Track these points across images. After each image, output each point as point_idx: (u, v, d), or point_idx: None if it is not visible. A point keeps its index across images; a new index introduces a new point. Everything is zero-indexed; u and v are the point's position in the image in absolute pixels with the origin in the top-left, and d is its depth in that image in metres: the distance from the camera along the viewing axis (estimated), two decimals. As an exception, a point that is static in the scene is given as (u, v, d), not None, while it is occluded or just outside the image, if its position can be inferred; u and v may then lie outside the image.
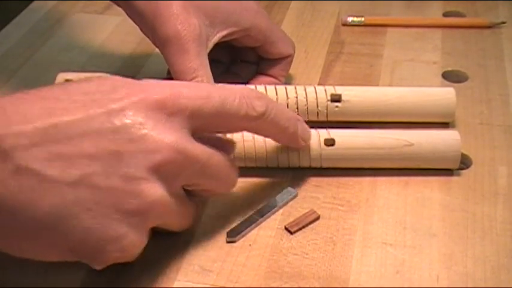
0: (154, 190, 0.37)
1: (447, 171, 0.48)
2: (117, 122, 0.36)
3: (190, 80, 0.47)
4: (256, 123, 0.41)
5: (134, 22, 0.50)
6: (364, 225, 0.45)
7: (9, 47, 0.64)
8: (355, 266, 0.42)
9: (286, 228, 0.44)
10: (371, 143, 0.47)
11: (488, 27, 0.65)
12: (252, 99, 0.41)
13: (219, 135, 0.44)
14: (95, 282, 0.41)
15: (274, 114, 0.42)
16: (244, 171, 0.48)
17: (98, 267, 0.38)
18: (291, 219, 0.45)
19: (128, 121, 0.36)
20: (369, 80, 0.58)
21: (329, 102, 0.50)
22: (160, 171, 0.37)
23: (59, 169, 0.35)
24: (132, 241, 0.37)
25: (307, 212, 0.45)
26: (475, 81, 0.58)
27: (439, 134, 0.48)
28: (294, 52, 0.55)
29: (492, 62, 0.60)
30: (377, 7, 0.69)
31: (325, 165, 0.48)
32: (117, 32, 0.66)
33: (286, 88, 0.51)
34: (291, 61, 0.55)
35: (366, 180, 0.48)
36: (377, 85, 0.57)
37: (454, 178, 0.48)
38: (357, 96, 0.51)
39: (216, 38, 0.50)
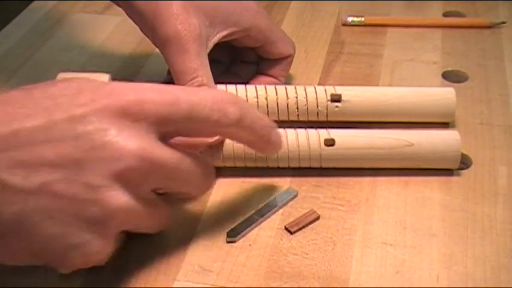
0: (117, 198, 0.37)
1: (447, 171, 0.48)
2: (80, 128, 0.36)
3: (191, 80, 0.47)
4: (229, 129, 0.41)
5: (134, 22, 0.50)
6: (364, 225, 0.45)
7: (9, 47, 0.64)
8: (355, 266, 0.42)
9: (286, 228, 0.44)
10: (371, 143, 0.47)
11: (488, 27, 0.65)
12: (225, 105, 0.40)
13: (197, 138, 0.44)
14: (95, 282, 0.41)
15: (249, 121, 0.41)
16: (244, 171, 0.48)
17: (64, 272, 0.38)
18: (291, 219, 0.45)
19: (90, 128, 0.36)
20: (369, 80, 0.58)
21: (329, 102, 0.50)
22: (124, 178, 0.37)
23: (21, 177, 0.35)
24: (96, 248, 0.37)
25: (307, 212, 0.45)
26: (475, 81, 0.58)
27: (439, 134, 0.48)
28: (294, 52, 0.55)
29: (492, 62, 0.60)
30: (377, 7, 0.69)
31: (325, 165, 0.48)
32: (117, 32, 0.66)
33: (286, 88, 0.51)
34: (291, 61, 0.55)
35: (366, 180, 0.48)
36: (377, 85, 0.57)
37: (454, 178, 0.48)
38: (357, 96, 0.51)
39: (216, 38, 0.50)
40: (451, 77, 0.59)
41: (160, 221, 0.42)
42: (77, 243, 0.37)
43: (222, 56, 0.56)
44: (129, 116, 0.37)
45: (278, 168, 0.48)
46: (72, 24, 0.67)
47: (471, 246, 0.43)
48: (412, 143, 0.47)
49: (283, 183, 0.48)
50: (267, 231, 0.44)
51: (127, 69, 0.60)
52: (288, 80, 0.57)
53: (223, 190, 0.47)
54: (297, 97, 0.50)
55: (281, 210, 0.46)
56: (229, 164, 0.48)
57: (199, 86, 0.47)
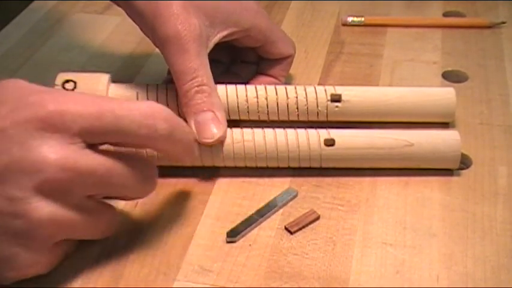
0: (40, 209, 0.36)
1: (447, 171, 0.48)
2: None
3: (191, 80, 0.47)
4: (158, 143, 0.40)
5: (134, 22, 0.50)
6: (364, 225, 0.45)
7: (9, 47, 0.64)
8: (355, 266, 0.42)
9: (286, 228, 0.44)
10: (371, 143, 0.47)
11: (488, 27, 0.65)
12: (156, 120, 0.39)
13: None
14: (95, 282, 0.41)
15: (178, 137, 0.41)
16: (244, 171, 0.48)
17: (4, 283, 0.38)
18: (291, 219, 0.45)
19: (9, 141, 0.36)
20: (369, 80, 0.58)
21: (329, 102, 0.50)
22: (47, 189, 0.36)
23: None
24: (26, 261, 0.37)
25: (307, 212, 0.45)
26: (475, 81, 0.58)
27: (439, 134, 0.48)
28: (295, 52, 0.55)
29: (492, 62, 0.60)
30: (377, 7, 0.69)
31: (325, 165, 0.48)
32: (117, 32, 0.66)
33: (286, 88, 0.51)
34: (292, 61, 0.55)
35: (366, 180, 0.48)
36: (377, 85, 0.57)
37: (454, 178, 0.48)
38: (357, 96, 0.51)
39: (216, 38, 0.50)
40: (451, 77, 0.59)
41: (103, 226, 0.41)
42: (5, 256, 0.37)
43: (222, 56, 0.56)
44: (50, 127, 0.37)
45: (278, 168, 0.48)
46: (72, 24, 0.67)
47: (471, 246, 0.43)
48: (412, 143, 0.47)
49: (283, 183, 0.48)
50: (267, 231, 0.44)
51: (127, 69, 0.60)
52: (288, 80, 0.57)
53: (223, 190, 0.47)
54: (297, 97, 0.50)
55: (281, 210, 0.46)
56: (229, 164, 0.48)
57: (199, 86, 0.47)
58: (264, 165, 0.48)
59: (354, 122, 0.51)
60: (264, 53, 0.54)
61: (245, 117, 0.51)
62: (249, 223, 0.45)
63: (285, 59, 0.55)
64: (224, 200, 0.47)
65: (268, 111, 0.50)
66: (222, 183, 0.48)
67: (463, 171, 0.49)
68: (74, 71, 0.51)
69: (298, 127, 0.48)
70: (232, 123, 0.49)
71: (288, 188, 0.47)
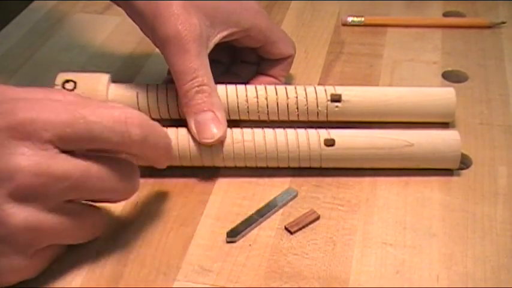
0: (16, 215, 0.36)
1: (447, 171, 0.48)
2: None
3: (191, 80, 0.47)
4: (132, 149, 0.40)
5: (134, 22, 0.50)
6: (364, 225, 0.45)
7: (9, 47, 0.64)
8: (355, 266, 0.42)
9: (286, 228, 0.44)
10: (371, 143, 0.47)
11: (488, 27, 0.65)
12: (128, 126, 0.39)
13: None
14: (95, 282, 0.41)
15: (152, 142, 0.41)
16: (244, 171, 0.48)
17: None
18: (291, 219, 0.45)
19: None
20: (369, 80, 0.58)
21: (329, 102, 0.50)
22: (21, 196, 0.36)
23: None
24: (8, 267, 0.37)
25: (307, 212, 0.45)
26: (475, 81, 0.58)
27: (439, 134, 0.48)
28: (295, 52, 0.55)
29: (492, 62, 0.60)
30: (377, 7, 0.69)
31: (325, 165, 0.48)
32: (117, 32, 0.66)
33: (286, 88, 0.51)
34: (292, 61, 0.55)
35: (366, 180, 0.48)
36: (377, 85, 0.57)
37: (454, 178, 0.48)
38: (357, 96, 0.51)
39: (216, 39, 0.50)
40: (451, 77, 0.59)
41: (88, 229, 0.41)
42: None
43: (222, 56, 0.56)
44: (22, 135, 0.37)
45: (278, 168, 0.48)
46: (72, 24, 0.67)
47: (471, 246, 0.43)
48: (412, 143, 0.47)
49: (283, 183, 0.48)
50: (267, 231, 0.44)
51: (127, 69, 0.60)
52: (288, 80, 0.57)
53: (223, 190, 0.47)
54: (297, 97, 0.50)
55: (281, 210, 0.46)
56: (229, 164, 0.48)
57: (200, 86, 0.47)
58: (264, 165, 0.48)
59: (354, 122, 0.51)
60: (264, 53, 0.54)
61: (245, 117, 0.51)
62: (249, 223, 0.45)
63: (285, 59, 0.55)
64: (224, 200, 0.47)
65: (268, 111, 0.50)
66: (222, 183, 0.48)
67: (463, 171, 0.49)
68: (74, 71, 0.51)
69: (298, 127, 0.48)
70: (232, 123, 0.49)
71: (288, 188, 0.47)
